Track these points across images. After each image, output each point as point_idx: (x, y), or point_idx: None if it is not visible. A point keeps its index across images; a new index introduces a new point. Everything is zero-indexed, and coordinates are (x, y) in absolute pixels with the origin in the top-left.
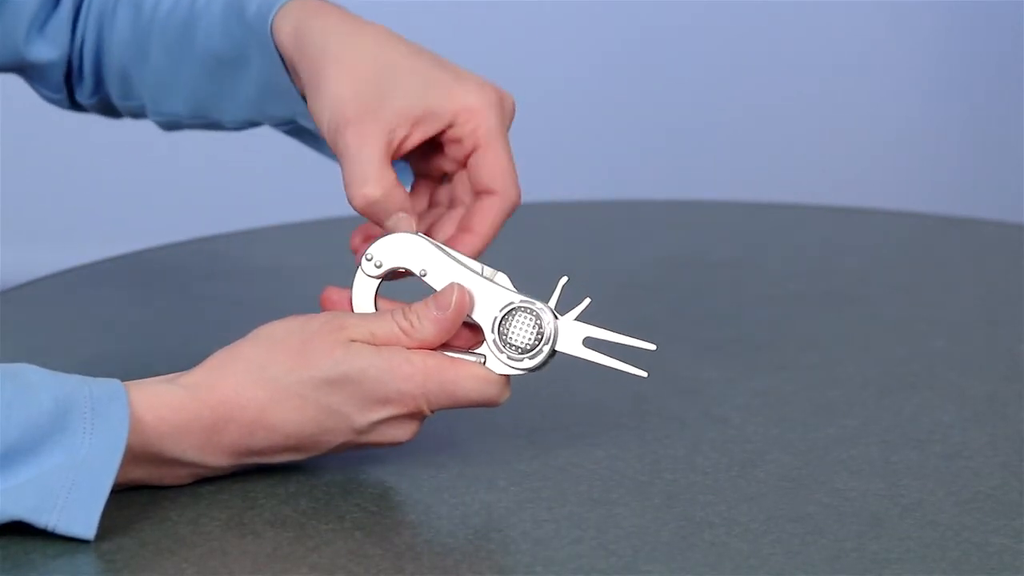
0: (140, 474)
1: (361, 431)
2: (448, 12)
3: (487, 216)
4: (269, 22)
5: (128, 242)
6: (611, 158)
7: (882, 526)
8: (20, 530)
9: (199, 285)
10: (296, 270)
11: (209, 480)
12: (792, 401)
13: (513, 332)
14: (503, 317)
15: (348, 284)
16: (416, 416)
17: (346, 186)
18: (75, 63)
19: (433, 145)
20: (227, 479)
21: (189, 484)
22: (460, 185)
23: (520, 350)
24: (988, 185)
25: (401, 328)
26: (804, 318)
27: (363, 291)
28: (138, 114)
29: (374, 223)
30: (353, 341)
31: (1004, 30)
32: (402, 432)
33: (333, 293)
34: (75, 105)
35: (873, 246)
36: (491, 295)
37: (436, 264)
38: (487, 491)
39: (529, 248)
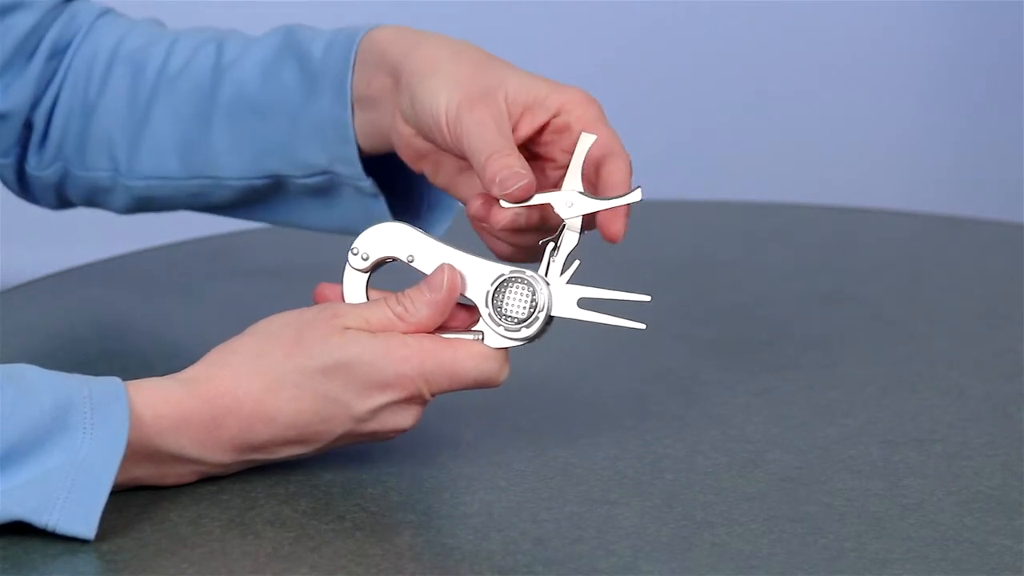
0: (141, 473)
1: (361, 419)
2: (448, 12)
3: (617, 172)
4: (356, 43)
5: (128, 242)
6: None
7: (882, 526)
8: (20, 530)
9: (199, 285)
10: (296, 270)
11: (209, 480)
12: (792, 401)
13: (507, 303)
14: (495, 290)
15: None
16: (416, 400)
17: (478, 156)
18: (39, 124)
19: (540, 141)
20: (227, 479)
21: (189, 485)
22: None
23: (516, 320)
24: (988, 185)
25: (395, 313)
26: (804, 318)
27: (353, 285)
28: (97, 189)
29: (488, 180)
30: (348, 328)
31: (1004, 30)
32: (403, 418)
33: (325, 288)
34: (20, 180)
35: (873, 246)
36: (481, 270)
37: (423, 248)
38: (487, 491)
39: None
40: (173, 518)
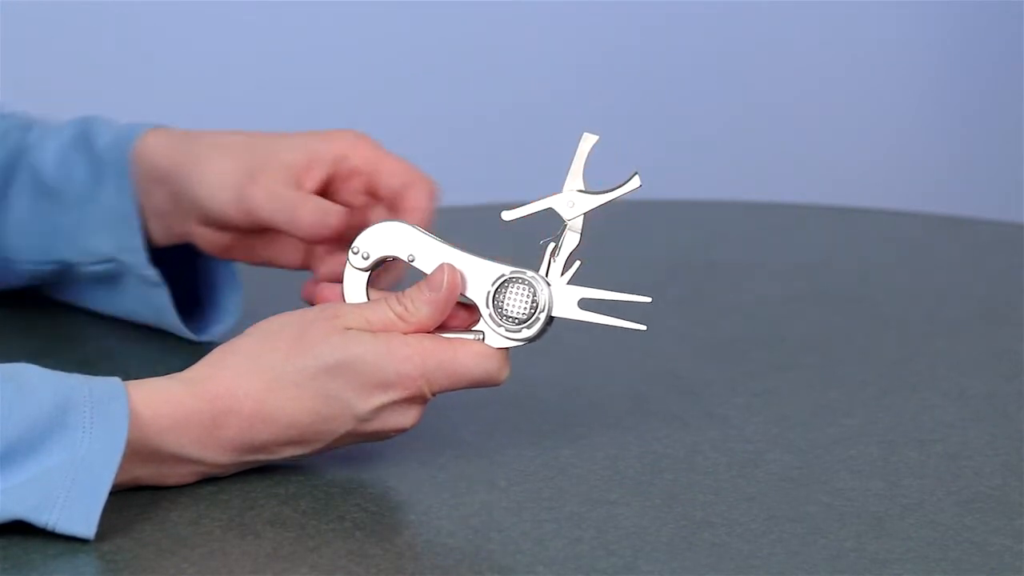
0: (142, 472)
1: (363, 418)
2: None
3: (415, 199)
4: (131, 145)
5: None
6: (610, 158)
7: (882, 526)
8: (20, 530)
9: None
10: (296, 270)
11: (209, 481)
12: (792, 401)
13: (508, 303)
14: (496, 290)
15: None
16: (417, 400)
17: (281, 218)
18: None
19: (331, 191)
20: (227, 480)
21: (189, 485)
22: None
23: (517, 321)
24: (988, 185)
25: (396, 313)
26: (804, 318)
27: (353, 285)
28: None
29: (303, 234)
30: (349, 328)
31: (1004, 30)
32: (405, 418)
33: (325, 289)
34: None
35: (873, 246)
36: (482, 270)
37: (424, 247)
38: (487, 491)
39: (530, 249)
40: (173, 518)
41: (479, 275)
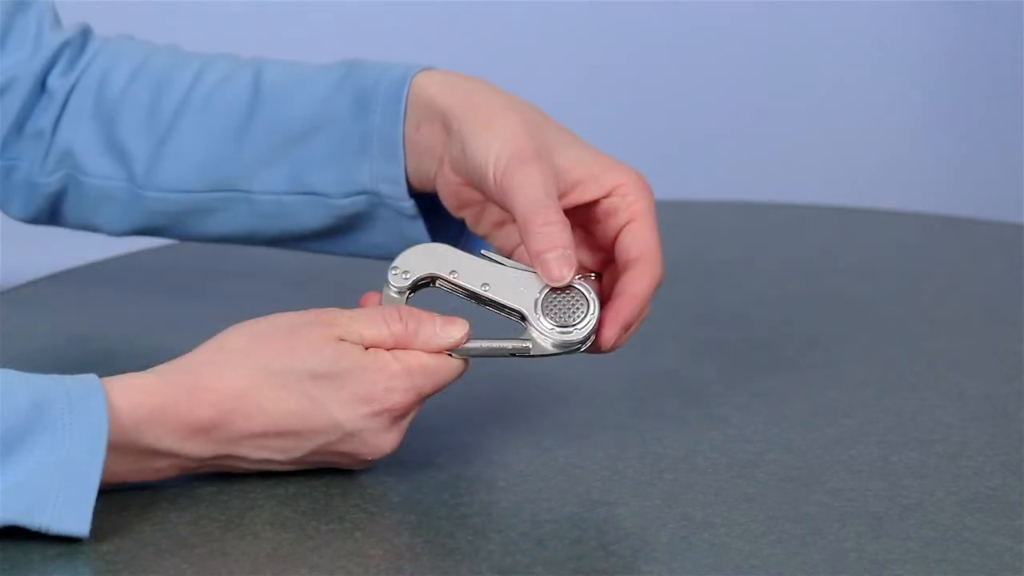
0: (121, 468)
1: (343, 431)
2: (448, 13)
3: (639, 281)
4: (409, 78)
5: (128, 242)
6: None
7: (882, 526)
8: (19, 530)
9: (199, 285)
10: (296, 270)
11: (208, 481)
12: (792, 401)
13: (559, 308)
14: (544, 298)
15: (345, 283)
16: (400, 418)
17: (523, 214)
18: (45, 127)
19: (585, 217)
20: (227, 480)
21: (188, 486)
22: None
23: (569, 324)
24: (988, 185)
25: (393, 333)
26: (804, 318)
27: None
28: (105, 198)
29: (535, 254)
30: (342, 340)
31: (1004, 30)
32: (385, 440)
33: (370, 299)
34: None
35: (873, 246)
36: (527, 280)
37: (465, 263)
38: (487, 491)
39: None
40: (173, 518)
41: (525, 285)
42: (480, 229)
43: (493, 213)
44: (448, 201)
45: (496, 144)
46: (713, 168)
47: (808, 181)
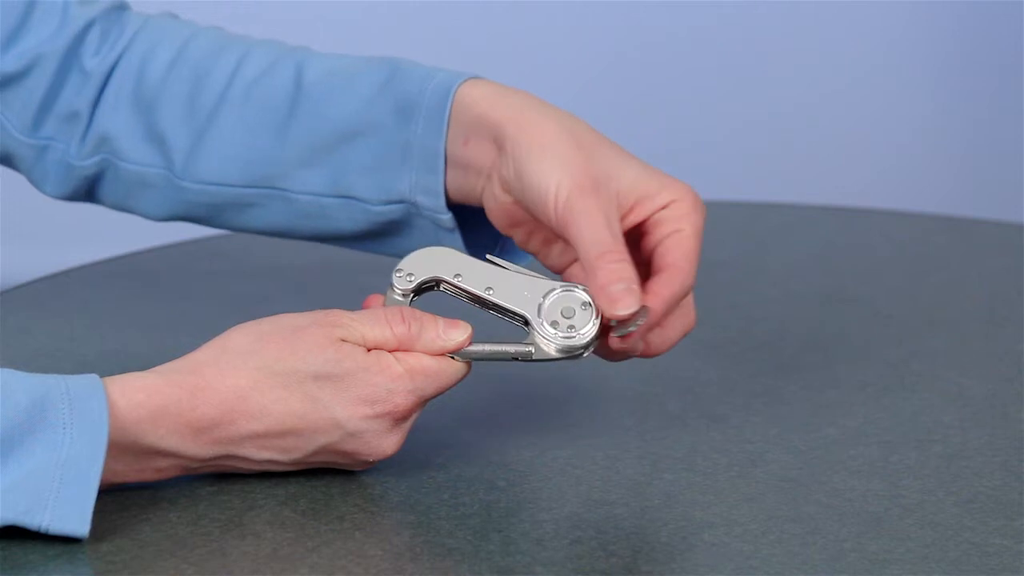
0: (122, 468)
1: (345, 431)
2: (447, 13)
3: (665, 287)
4: (454, 88)
5: (128, 242)
6: None
7: (882, 526)
8: (19, 530)
9: (199, 285)
10: (296, 270)
11: (209, 481)
12: (792, 401)
13: (563, 312)
14: (548, 302)
15: (346, 284)
16: (401, 421)
17: (587, 251)
18: (83, 111)
19: (636, 231)
20: (227, 480)
21: (189, 486)
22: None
23: (573, 327)
24: (988, 185)
25: (396, 335)
26: (804, 318)
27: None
28: (142, 184)
29: (599, 287)
30: (344, 341)
31: (1005, 30)
32: (386, 442)
33: (373, 300)
34: (39, 162)
35: (873, 246)
36: (531, 285)
37: (470, 266)
38: (487, 491)
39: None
40: (173, 518)
41: (529, 290)
42: (531, 247)
43: (543, 233)
44: (498, 220)
45: (556, 174)
46: (713, 168)
47: (808, 181)
